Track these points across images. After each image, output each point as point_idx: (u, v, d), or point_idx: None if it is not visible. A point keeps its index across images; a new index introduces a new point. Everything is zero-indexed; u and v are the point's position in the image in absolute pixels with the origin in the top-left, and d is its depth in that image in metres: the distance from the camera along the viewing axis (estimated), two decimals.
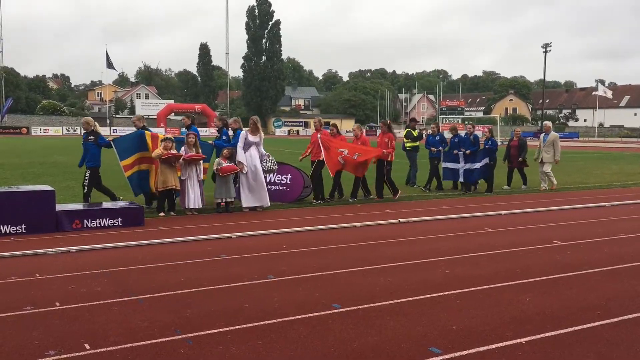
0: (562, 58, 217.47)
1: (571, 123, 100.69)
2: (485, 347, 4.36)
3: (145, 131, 11.02)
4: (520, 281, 6.24)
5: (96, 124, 11.29)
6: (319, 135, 12.43)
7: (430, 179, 14.99)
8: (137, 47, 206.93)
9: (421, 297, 5.64)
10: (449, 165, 14.76)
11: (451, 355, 4.22)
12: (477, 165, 14.28)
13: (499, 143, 16.01)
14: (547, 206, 12.24)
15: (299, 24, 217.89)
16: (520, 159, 15.44)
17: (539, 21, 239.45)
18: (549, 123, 16.61)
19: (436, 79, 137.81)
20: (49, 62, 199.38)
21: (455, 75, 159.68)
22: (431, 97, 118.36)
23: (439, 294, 5.75)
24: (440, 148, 15.00)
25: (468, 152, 14.26)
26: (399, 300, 5.52)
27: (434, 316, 5.07)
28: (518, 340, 4.51)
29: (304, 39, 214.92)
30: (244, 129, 11.68)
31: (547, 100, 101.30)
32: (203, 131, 74.40)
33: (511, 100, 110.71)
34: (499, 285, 6.09)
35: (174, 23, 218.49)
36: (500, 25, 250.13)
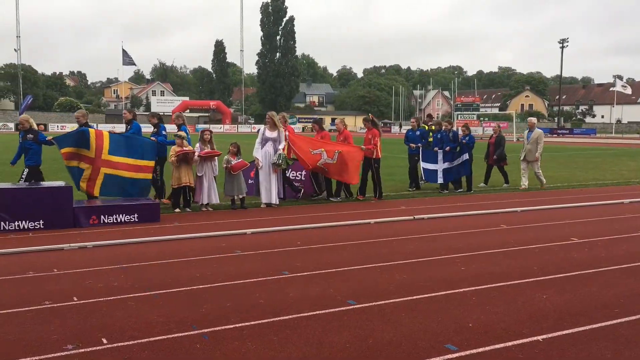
0: (580, 54, 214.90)
1: (588, 119, 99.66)
2: (501, 345, 4.34)
3: (89, 129, 10.45)
4: (537, 278, 6.19)
5: (32, 120, 10.73)
6: (286, 133, 11.72)
7: (413, 177, 14.27)
8: (153, 45, 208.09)
9: (437, 294, 5.62)
10: (429, 166, 13.94)
11: (467, 352, 4.20)
12: (456, 162, 13.70)
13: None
14: (563, 203, 12.12)
15: (313, 21, 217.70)
16: (494, 157, 14.87)
17: (557, 17, 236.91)
18: (533, 119, 15.51)
19: (451, 75, 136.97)
20: (66, 60, 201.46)
21: (471, 71, 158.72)
22: (446, 93, 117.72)
23: (455, 290, 5.72)
24: (419, 145, 14.09)
25: (447, 148, 13.64)
26: (415, 297, 5.50)
27: (450, 313, 5.04)
28: (535, 338, 4.47)
29: (319, 36, 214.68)
30: (264, 125, 11.68)
31: (564, 97, 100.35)
32: (217, 128, 74.71)
33: (527, 96, 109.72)
34: (515, 282, 6.04)
35: (189, 21, 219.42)
36: (519, 22, 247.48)
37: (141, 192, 10.55)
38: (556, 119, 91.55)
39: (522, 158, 14.70)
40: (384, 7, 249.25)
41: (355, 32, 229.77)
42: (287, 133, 11.79)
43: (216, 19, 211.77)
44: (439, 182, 13.93)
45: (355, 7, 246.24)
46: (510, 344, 4.36)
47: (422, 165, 13.97)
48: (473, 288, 5.81)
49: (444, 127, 14.29)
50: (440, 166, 13.82)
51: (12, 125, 69.32)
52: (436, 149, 13.91)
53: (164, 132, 11.42)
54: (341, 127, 12.73)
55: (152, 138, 11.16)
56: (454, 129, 14.41)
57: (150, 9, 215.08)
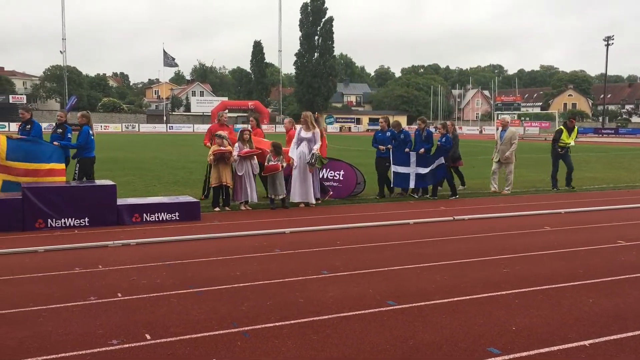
0: (627, 52, 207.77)
1: (634, 119, 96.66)
2: (546, 349, 4.24)
3: None
4: (583, 282, 6.03)
5: None
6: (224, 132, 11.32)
7: (382, 185, 12.82)
8: (193, 47, 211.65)
9: (478, 295, 5.53)
10: (398, 169, 12.60)
11: (511, 356, 4.11)
12: (431, 167, 12.29)
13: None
14: (609, 205, 11.79)
15: (351, 20, 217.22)
16: (460, 161, 13.63)
17: (608, 16, 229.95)
18: (507, 117, 14.19)
19: (491, 74, 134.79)
20: (110, 62, 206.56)
21: (512, 70, 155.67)
22: (486, 92, 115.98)
23: (497, 293, 5.62)
24: (390, 146, 12.62)
25: (422, 150, 12.41)
26: (456, 299, 5.43)
27: (492, 316, 4.95)
28: (581, 343, 4.35)
29: (356, 35, 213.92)
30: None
31: (609, 96, 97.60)
32: None
33: (570, 95, 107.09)
34: (560, 285, 5.90)
35: (229, 22, 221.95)
36: (568, 21, 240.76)
37: None
38: (601, 118, 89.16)
39: (496, 160, 13.66)
40: (422, 6, 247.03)
41: (393, 32, 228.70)
42: (224, 133, 11.38)
43: (255, 19, 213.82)
44: (410, 186, 12.69)
45: (395, 6, 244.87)
46: (555, 348, 4.26)
47: (393, 168, 12.69)
48: (516, 290, 5.69)
49: (417, 127, 13.02)
50: (412, 169, 12.49)
51: None
52: (407, 149, 12.63)
53: (69, 135, 10.73)
54: (289, 126, 12.18)
55: (55, 143, 10.41)
56: (429, 128, 12.97)
57: (193, 11, 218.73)
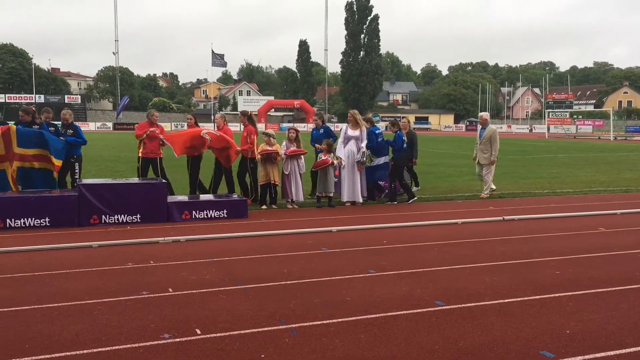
0: None
1: None
2: (602, 354, 4.10)
3: None
4: None
5: None
6: (156, 130, 11.23)
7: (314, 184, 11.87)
8: (241, 48, 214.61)
9: (530, 298, 5.40)
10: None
11: None
12: (381, 161, 11.51)
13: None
14: None
15: (397, 18, 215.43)
16: (413, 160, 12.85)
17: None
18: (485, 114, 13.01)
19: (542, 72, 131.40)
20: (162, 64, 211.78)
21: (564, 67, 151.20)
22: (536, 90, 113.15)
23: (550, 295, 5.47)
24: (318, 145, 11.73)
25: (362, 150, 11.24)
26: (506, 300, 5.31)
27: (545, 318, 4.83)
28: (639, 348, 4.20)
29: (403, 34, 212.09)
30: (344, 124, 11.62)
31: None
32: (301, 126, 75.95)
33: (626, 92, 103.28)
34: (616, 288, 5.70)
35: (277, 22, 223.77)
36: (630, 17, 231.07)
37: (45, 186, 10.07)
38: None
39: (476, 160, 12.76)
40: (469, 5, 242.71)
41: (439, 29, 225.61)
42: (159, 131, 11.25)
43: (302, 19, 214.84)
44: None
45: (440, 4, 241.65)
46: (612, 353, 4.12)
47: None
48: (570, 293, 5.53)
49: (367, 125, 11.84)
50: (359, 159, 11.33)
51: (110, 124, 73.63)
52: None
53: (70, 131, 10.78)
54: (221, 122, 11.72)
55: (61, 138, 10.52)
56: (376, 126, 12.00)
57: (242, 15, 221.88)
